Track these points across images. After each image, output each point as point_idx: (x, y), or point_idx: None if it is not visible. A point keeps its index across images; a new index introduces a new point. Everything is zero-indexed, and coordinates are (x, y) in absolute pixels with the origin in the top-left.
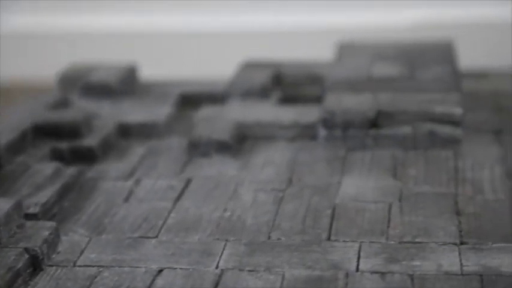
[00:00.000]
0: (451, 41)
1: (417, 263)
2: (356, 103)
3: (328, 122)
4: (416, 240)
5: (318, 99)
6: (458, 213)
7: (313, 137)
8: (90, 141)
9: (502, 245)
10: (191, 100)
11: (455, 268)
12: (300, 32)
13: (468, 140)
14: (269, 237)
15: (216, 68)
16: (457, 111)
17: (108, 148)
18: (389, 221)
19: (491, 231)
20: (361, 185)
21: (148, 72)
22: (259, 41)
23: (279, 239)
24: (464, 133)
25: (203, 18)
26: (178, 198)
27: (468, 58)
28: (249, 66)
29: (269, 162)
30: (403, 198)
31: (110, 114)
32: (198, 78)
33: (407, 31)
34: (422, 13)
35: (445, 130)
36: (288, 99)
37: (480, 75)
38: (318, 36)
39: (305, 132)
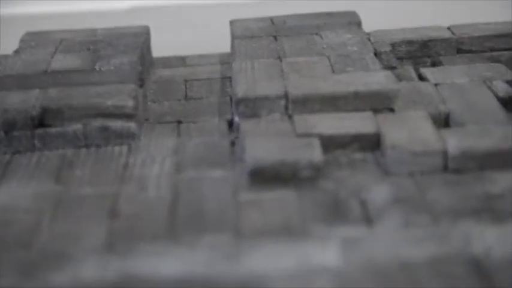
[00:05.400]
0: (147, 28)
1: (54, 275)
2: (20, 101)
3: None
4: (61, 249)
5: None
6: (114, 215)
7: None
8: None
9: (151, 246)
10: None
11: (95, 277)
12: None
13: (147, 133)
14: None
15: None
16: (130, 103)
17: None
18: (37, 231)
19: (143, 233)
20: (17, 192)
21: None
22: None
23: None
24: (144, 126)
25: None
26: None
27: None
28: None
29: None
30: (60, 204)
31: None
32: None
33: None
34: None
35: (118, 124)
36: None
37: (177, 63)
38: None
39: None
